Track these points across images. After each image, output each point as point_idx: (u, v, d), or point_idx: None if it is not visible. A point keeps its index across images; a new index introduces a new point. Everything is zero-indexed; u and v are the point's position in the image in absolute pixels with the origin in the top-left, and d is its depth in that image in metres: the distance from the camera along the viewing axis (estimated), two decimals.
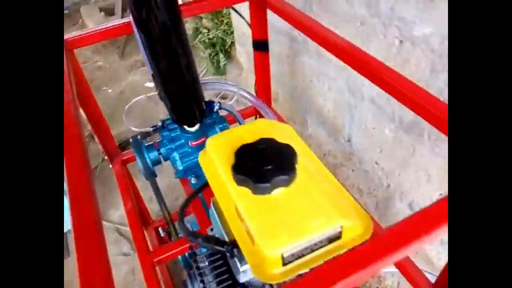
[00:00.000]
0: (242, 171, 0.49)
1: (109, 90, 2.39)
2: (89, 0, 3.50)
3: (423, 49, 0.82)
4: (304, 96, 1.47)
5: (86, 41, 0.90)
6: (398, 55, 0.89)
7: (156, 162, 0.97)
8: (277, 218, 0.47)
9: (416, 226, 0.41)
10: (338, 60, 0.75)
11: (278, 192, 0.49)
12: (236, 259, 0.53)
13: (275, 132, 0.58)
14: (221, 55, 2.34)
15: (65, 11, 3.48)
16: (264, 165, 0.49)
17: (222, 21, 2.42)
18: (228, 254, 0.51)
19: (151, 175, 0.98)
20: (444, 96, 0.80)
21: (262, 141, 0.54)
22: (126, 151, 1.18)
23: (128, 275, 1.42)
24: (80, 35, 0.89)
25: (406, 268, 0.80)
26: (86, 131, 2.06)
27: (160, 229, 1.42)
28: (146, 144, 0.97)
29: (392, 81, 0.66)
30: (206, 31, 2.50)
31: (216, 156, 0.55)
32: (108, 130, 1.12)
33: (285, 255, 0.45)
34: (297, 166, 0.51)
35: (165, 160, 0.98)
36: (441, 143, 0.88)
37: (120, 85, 2.44)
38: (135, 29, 0.73)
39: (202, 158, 0.60)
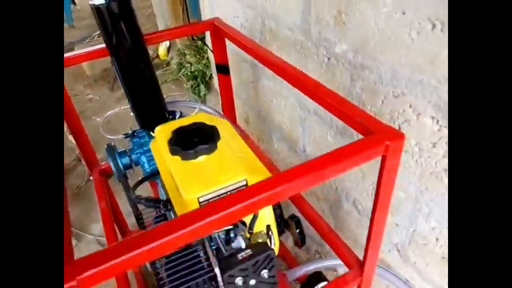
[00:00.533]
0: (174, 143, 0.65)
1: (98, 119, 2.57)
2: (84, 40, 3.78)
3: (343, 63, 1.00)
4: (268, 116, 1.65)
5: (74, 60, 1.08)
6: (328, 70, 1.08)
7: (127, 166, 1.12)
8: (198, 176, 0.62)
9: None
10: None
11: (201, 158, 0.64)
12: (171, 213, 0.67)
13: (211, 121, 0.74)
14: (202, 86, 2.55)
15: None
16: (190, 138, 0.65)
17: (203, 56, 2.66)
18: (164, 208, 0.66)
19: (122, 177, 1.12)
20: (361, 100, 0.98)
21: (194, 124, 0.70)
22: (103, 162, 1.33)
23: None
24: (70, 55, 1.07)
25: (336, 243, 0.93)
26: (74, 155, 2.23)
27: None
28: (119, 151, 1.12)
29: (324, 95, 0.80)
30: (189, 65, 2.73)
31: (160, 137, 0.71)
32: (89, 142, 1.27)
33: (200, 200, 0.59)
34: (219, 142, 0.67)
35: (136, 164, 1.12)
36: None
37: (109, 115, 2.62)
38: (110, 54, 0.91)
39: (153, 144, 0.76)
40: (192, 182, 0.60)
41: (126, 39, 0.89)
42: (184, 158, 0.63)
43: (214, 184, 0.59)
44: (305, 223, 0.97)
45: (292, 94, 1.36)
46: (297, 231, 0.79)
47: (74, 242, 1.65)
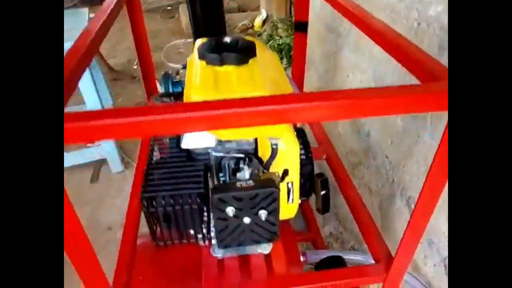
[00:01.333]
0: (204, 48, 0.58)
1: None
2: None
3: (434, 28, 0.84)
4: None
5: None
6: (416, 36, 0.92)
7: (177, 96, 1.10)
8: (215, 82, 0.55)
9: None
10: (370, 52, 0.78)
11: (227, 68, 0.57)
12: None
13: (259, 46, 0.66)
14: (284, 59, 2.48)
15: (168, 8, 3.97)
16: (222, 46, 0.58)
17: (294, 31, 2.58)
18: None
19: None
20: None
21: (235, 38, 0.63)
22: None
23: None
24: None
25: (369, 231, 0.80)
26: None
27: None
28: (174, 80, 1.11)
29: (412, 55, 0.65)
30: (278, 38, 2.67)
31: (197, 46, 0.65)
32: (152, 69, 1.29)
33: None
34: (253, 59, 0.58)
35: None
36: (440, 126, 0.87)
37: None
38: None
39: (190, 58, 0.71)
40: (206, 86, 0.53)
41: None
42: (209, 62, 0.56)
43: (228, 93, 0.52)
44: (349, 216, 0.84)
45: (371, 67, 1.21)
46: (322, 192, 0.68)
47: (121, 167, 1.72)
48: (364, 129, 1.32)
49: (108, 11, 0.76)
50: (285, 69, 2.50)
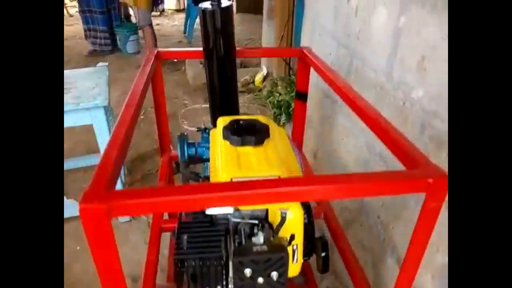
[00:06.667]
0: (227, 129, 0.71)
1: (185, 122, 2.83)
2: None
3: (417, 109, 0.99)
4: (336, 153, 1.65)
5: (171, 55, 1.25)
6: (401, 114, 1.07)
7: (192, 156, 1.22)
8: (238, 161, 0.67)
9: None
10: (361, 122, 0.91)
11: (247, 148, 0.70)
12: None
13: (267, 123, 0.80)
14: (283, 116, 2.65)
15: (174, 60, 4.23)
16: (243, 129, 0.71)
17: (293, 89, 2.78)
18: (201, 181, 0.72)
19: (184, 165, 1.22)
20: (426, 149, 0.95)
21: (251, 120, 0.76)
22: (174, 151, 1.46)
23: (141, 261, 1.61)
24: (168, 50, 1.24)
25: None
26: (156, 145, 2.47)
27: None
28: (188, 142, 1.24)
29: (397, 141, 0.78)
30: (278, 95, 2.87)
31: (219, 125, 0.79)
32: (167, 131, 1.42)
33: (233, 180, 0.64)
34: (268, 139, 0.72)
35: (199, 157, 1.22)
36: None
37: (194, 122, 2.86)
38: (204, 56, 1.05)
39: (212, 132, 0.84)
40: (231, 165, 0.65)
41: (220, 45, 1.01)
42: (232, 143, 0.69)
43: (249, 171, 0.64)
44: (344, 271, 0.94)
45: (363, 134, 1.35)
46: (322, 254, 0.78)
47: (128, 217, 1.80)
48: None
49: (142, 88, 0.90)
50: (284, 124, 2.67)
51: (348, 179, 0.58)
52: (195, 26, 5.10)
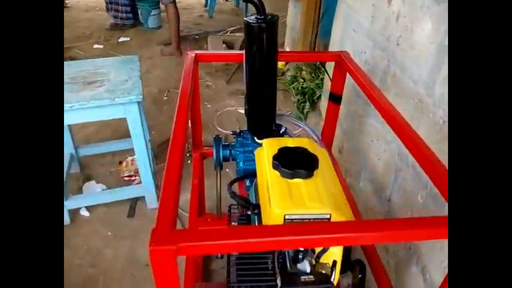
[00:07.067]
0: (278, 160, 0.73)
1: (208, 106, 2.84)
2: (217, 33, 4.17)
3: None
4: (363, 153, 1.66)
5: (209, 58, 1.25)
6: (440, 133, 1.06)
7: (225, 158, 1.25)
8: (289, 195, 0.69)
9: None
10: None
11: (298, 180, 0.72)
12: (256, 219, 0.76)
13: (312, 148, 0.81)
14: (307, 103, 2.64)
15: (196, 37, 4.19)
16: (293, 159, 0.73)
17: (318, 76, 2.74)
18: (252, 211, 0.75)
19: (219, 166, 1.26)
20: None
21: (299, 148, 0.78)
22: (206, 147, 1.49)
23: None
24: (206, 53, 1.24)
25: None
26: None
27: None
28: (223, 143, 1.26)
29: (423, 151, 0.81)
30: (302, 80, 2.84)
31: (266, 149, 0.80)
32: (201, 128, 1.45)
33: (286, 217, 0.66)
34: (316, 171, 0.73)
35: (233, 159, 1.25)
36: None
37: (218, 105, 2.87)
38: (244, 61, 1.04)
39: (258, 151, 0.86)
40: (283, 199, 0.67)
41: (264, 55, 1.01)
42: (283, 175, 0.71)
43: (302, 208, 0.66)
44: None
45: (396, 142, 1.35)
46: (360, 276, 0.81)
47: (156, 204, 1.86)
48: (385, 192, 1.45)
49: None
50: (308, 112, 2.66)
51: (402, 224, 0.60)
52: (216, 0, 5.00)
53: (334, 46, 2.05)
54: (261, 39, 0.96)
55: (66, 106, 1.41)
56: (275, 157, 0.74)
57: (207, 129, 2.51)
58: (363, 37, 1.64)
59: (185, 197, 1.90)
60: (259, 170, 0.79)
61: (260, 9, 0.96)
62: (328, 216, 0.67)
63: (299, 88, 2.78)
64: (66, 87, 1.55)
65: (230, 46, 3.63)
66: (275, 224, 0.67)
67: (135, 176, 2.01)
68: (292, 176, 0.71)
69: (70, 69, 1.70)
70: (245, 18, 0.97)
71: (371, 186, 1.59)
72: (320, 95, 2.56)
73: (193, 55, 1.22)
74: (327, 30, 2.34)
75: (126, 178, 2.01)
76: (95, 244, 1.67)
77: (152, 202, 1.81)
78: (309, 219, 0.67)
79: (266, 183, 0.73)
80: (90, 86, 1.55)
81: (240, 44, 3.66)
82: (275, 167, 0.73)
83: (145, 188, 1.76)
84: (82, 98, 1.45)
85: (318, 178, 0.72)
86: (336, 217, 0.67)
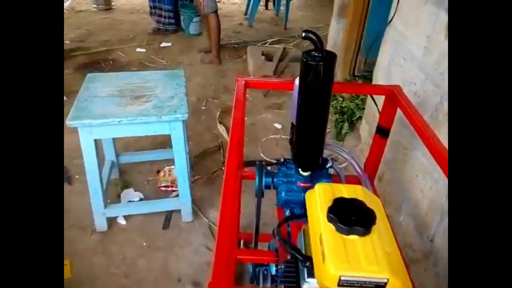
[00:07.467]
0: (334, 213, 0.71)
1: (245, 118, 2.85)
2: (257, 43, 4.18)
3: None
4: (406, 186, 1.61)
5: (259, 85, 1.24)
6: None
7: (267, 186, 1.24)
8: (345, 253, 0.67)
9: None
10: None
11: (354, 237, 0.69)
12: (306, 269, 0.74)
13: (367, 199, 0.79)
14: (346, 124, 2.59)
15: (235, 46, 4.22)
16: (350, 215, 0.70)
17: (358, 96, 2.69)
18: (303, 263, 0.73)
19: (260, 194, 1.25)
20: None
21: (356, 200, 0.75)
22: (246, 169, 1.49)
23: (202, 266, 1.69)
24: (256, 80, 1.24)
25: None
26: (218, 142, 2.53)
27: (241, 241, 1.67)
28: (266, 170, 1.25)
29: None
30: (341, 99, 2.79)
31: (320, 196, 0.78)
32: (242, 151, 1.44)
33: (342, 278, 0.64)
34: (373, 227, 0.71)
35: (274, 188, 1.24)
36: None
37: (255, 118, 2.88)
38: (296, 91, 1.03)
39: (309, 195, 0.84)
40: (339, 258, 0.65)
41: (319, 90, 0.98)
42: (338, 230, 0.69)
43: (359, 270, 0.64)
44: None
45: (444, 182, 1.30)
46: None
47: (191, 217, 1.88)
48: (428, 232, 1.40)
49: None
50: (346, 134, 2.61)
51: None
52: (257, 9, 5.02)
53: (380, 71, 2.00)
54: (318, 76, 0.94)
55: (114, 120, 1.45)
56: (331, 210, 0.72)
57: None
58: (413, 67, 1.59)
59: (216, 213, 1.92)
60: (311, 217, 0.78)
61: (318, 46, 0.94)
62: (385, 281, 0.65)
63: (338, 107, 2.74)
64: (114, 100, 1.59)
65: (269, 58, 3.63)
66: (329, 282, 0.65)
67: (172, 186, 2.04)
68: (349, 233, 0.69)
69: (119, 81, 1.75)
70: (301, 56, 0.95)
71: (412, 221, 1.54)
72: (360, 117, 2.51)
73: (243, 82, 1.22)
74: (370, 48, 2.29)
75: (163, 188, 2.05)
76: (130, 254, 1.70)
77: (187, 215, 1.83)
78: (365, 281, 0.65)
79: (319, 235, 0.71)
80: (137, 101, 1.59)
81: (278, 56, 3.65)
82: (330, 220, 0.71)
83: (182, 202, 1.78)
84: (129, 113, 1.49)
85: (375, 235, 0.69)
86: (393, 282, 0.65)
